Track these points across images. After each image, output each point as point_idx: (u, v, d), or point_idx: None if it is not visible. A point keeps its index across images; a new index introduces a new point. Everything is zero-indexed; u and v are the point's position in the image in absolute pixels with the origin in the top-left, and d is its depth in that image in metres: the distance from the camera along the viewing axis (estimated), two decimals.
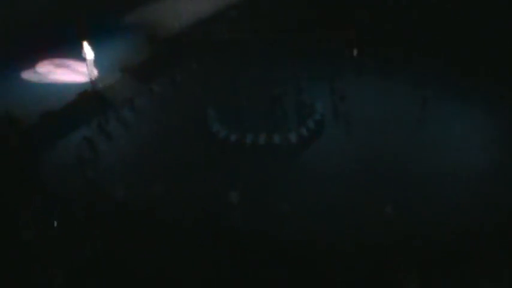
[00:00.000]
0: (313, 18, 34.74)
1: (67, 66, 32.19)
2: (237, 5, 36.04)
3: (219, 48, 34.54)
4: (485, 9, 30.88)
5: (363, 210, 20.25)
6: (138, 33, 35.18)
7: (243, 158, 24.54)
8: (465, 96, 27.55)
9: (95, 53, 30.67)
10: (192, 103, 29.59)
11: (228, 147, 25.11)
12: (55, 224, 19.28)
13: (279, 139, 24.76)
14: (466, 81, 28.26)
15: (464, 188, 21.10)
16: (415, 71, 30.12)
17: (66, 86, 30.04)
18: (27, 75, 31.36)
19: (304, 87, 28.80)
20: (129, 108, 29.34)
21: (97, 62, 31.29)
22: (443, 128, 25.42)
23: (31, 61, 32.39)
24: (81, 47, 29.97)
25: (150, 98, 30.71)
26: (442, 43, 30.78)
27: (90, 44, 30.28)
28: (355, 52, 32.55)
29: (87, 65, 30.67)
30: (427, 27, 31.98)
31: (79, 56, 30.59)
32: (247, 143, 24.93)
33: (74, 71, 31.54)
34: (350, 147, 24.89)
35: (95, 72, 31.01)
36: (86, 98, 28.94)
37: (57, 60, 32.83)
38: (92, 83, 30.15)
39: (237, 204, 20.83)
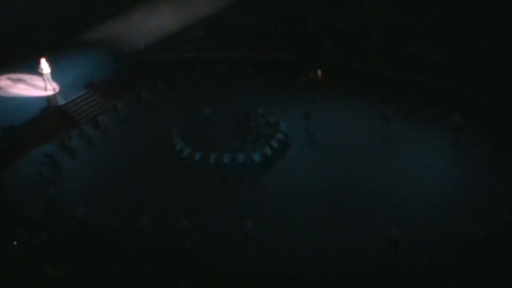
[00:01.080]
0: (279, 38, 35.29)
1: (27, 81, 31.83)
2: (203, 25, 36.27)
3: (185, 67, 34.70)
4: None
5: (325, 233, 20.53)
6: (104, 49, 34.99)
7: (206, 176, 24.66)
8: (428, 120, 27.89)
9: (59, 69, 30.50)
10: (156, 121, 29.58)
11: (191, 166, 25.21)
12: (14, 243, 18.94)
13: (243, 158, 24.98)
14: (428, 106, 28.71)
15: (429, 212, 21.25)
16: (380, 93, 30.57)
17: (28, 101, 29.62)
18: None
19: (269, 106, 29.04)
20: (93, 125, 29.16)
21: (60, 77, 31.11)
22: (407, 150, 25.78)
23: None
24: (38, 62, 29.83)
25: (114, 115, 30.62)
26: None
27: (52, 59, 30.14)
28: (319, 74, 33.14)
29: (44, 79, 30.55)
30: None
31: (37, 71, 30.37)
32: (211, 162, 25.10)
33: (34, 86, 31.19)
34: (313, 168, 25.27)
35: (55, 87, 30.82)
36: (49, 114, 28.64)
37: (17, 75, 32.43)
38: (50, 98, 29.84)
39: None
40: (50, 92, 30.57)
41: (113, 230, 20.23)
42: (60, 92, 30.67)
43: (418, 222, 20.53)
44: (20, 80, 31.96)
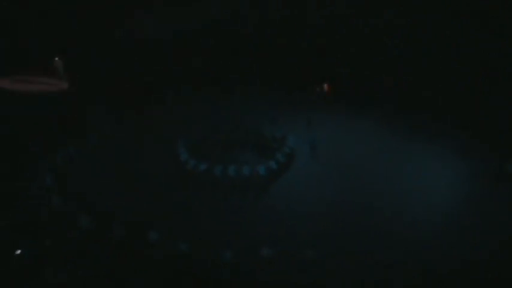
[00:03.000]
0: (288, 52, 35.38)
1: (40, 78, 32.27)
2: (212, 37, 36.36)
3: (194, 78, 34.73)
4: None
5: (325, 248, 20.46)
6: (113, 57, 35.12)
7: (211, 188, 24.74)
8: (437, 137, 27.99)
9: None
10: (163, 132, 29.65)
11: (196, 177, 25.27)
12: (18, 252, 19.03)
13: (248, 171, 25.02)
14: (438, 125, 28.91)
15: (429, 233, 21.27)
16: (389, 111, 30.73)
17: (38, 106, 29.94)
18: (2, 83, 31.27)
19: (277, 120, 29.07)
20: (99, 134, 29.26)
21: None
22: (414, 169, 25.70)
23: (6, 71, 32.18)
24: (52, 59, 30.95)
25: (121, 124, 30.73)
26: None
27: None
28: (325, 88, 33.14)
29: (57, 68, 31.73)
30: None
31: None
32: (216, 174, 25.14)
33: (45, 85, 31.65)
34: (317, 183, 25.24)
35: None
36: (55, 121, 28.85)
37: (31, 70, 32.77)
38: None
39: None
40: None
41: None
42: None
43: (419, 244, 20.55)
44: (31, 80, 32.31)
